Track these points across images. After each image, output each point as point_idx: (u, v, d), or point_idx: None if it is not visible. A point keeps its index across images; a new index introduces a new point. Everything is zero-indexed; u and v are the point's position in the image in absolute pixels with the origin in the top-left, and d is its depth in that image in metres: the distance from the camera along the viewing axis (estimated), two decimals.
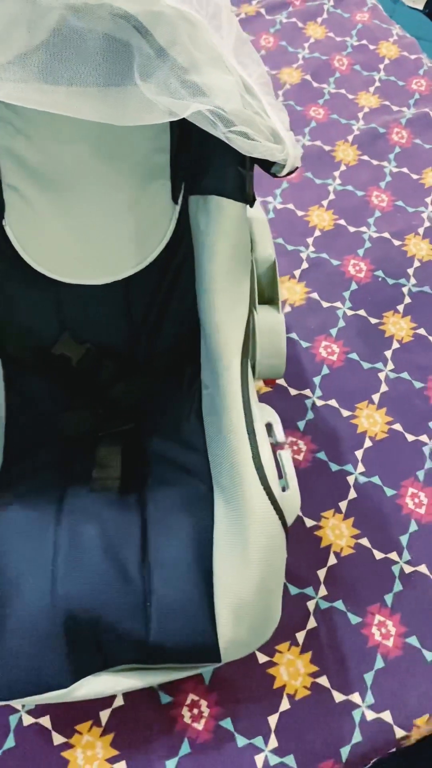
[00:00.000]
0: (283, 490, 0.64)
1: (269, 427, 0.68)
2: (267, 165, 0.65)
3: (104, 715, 0.67)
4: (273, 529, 0.60)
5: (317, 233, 1.05)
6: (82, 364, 0.77)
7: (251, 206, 0.68)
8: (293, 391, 0.89)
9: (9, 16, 0.55)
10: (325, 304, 0.98)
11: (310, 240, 1.04)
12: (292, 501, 0.63)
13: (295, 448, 0.85)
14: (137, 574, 0.63)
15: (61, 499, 0.69)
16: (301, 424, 0.87)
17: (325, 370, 0.92)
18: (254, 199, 0.67)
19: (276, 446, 0.65)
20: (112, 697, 0.68)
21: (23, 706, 0.67)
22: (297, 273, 1.01)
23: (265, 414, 0.68)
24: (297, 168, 0.64)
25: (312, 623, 0.73)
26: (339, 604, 0.74)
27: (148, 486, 0.72)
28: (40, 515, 0.67)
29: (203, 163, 0.69)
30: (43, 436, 0.76)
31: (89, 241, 0.73)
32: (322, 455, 0.84)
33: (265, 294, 0.77)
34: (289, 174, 0.64)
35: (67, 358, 0.76)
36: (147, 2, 0.56)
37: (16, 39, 0.55)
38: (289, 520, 0.62)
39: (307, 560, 0.77)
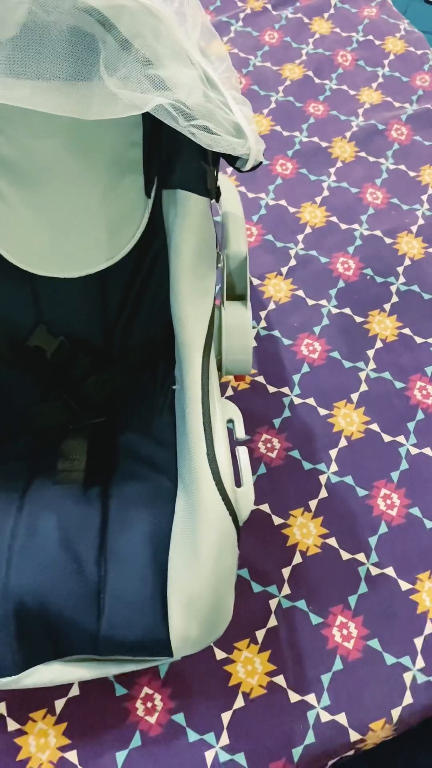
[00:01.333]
0: (238, 485, 0.64)
1: (231, 422, 0.67)
2: (232, 159, 0.64)
3: (59, 704, 0.68)
4: (224, 526, 0.60)
5: (308, 230, 1.04)
6: (56, 357, 0.77)
7: (216, 201, 0.67)
8: (271, 389, 0.89)
9: None
10: (310, 302, 0.97)
11: (300, 237, 1.03)
12: (245, 498, 0.63)
13: (269, 445, 0.84)
14: (93, 567, 0.63)
15: (24, 490, 0.70)
16: (277, 422, 0.86)
17: (305, 369, 0.91)
18: (218, 194, 0.67)
19: (237, 443, 0.65)
20: (68, 687, 0.68)
21: None
22: (284, 270, 1.00)
23: (227, 410, 0.67)
24: (261, 163, 0.63)
25: (273, 622, 0.72)
26: (301, 604, 0.74)
27: (114, 480, 0.72)
28: (2, 506, 0.67)
29: (172, 157, 0.69)
30: (16, 427, 0.77)
31: (62, 234, 0.74)
32: (296, 453, 0.83)
33: (236, 290, 0.76)
34: (253, 169, 0.64)
35: (42, 351, 0.77)
36: None
37: None
38: (242, 517, 0.61)
39: (272, 558, 0.76)
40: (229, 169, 1.08)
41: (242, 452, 0.66)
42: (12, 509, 0.67)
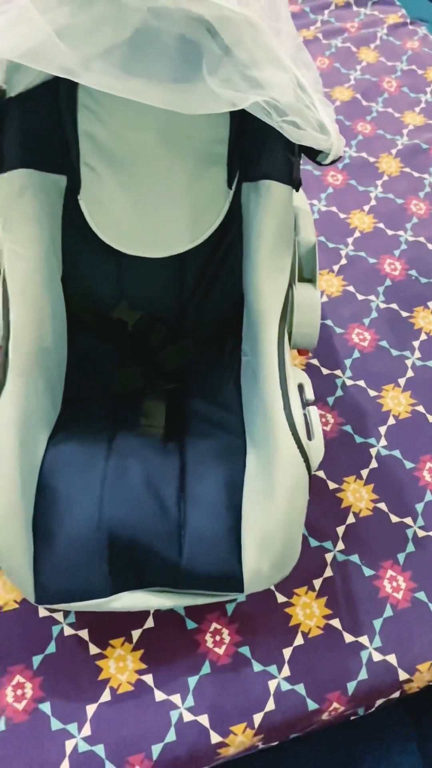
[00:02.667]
0: (309, 438, 0.71)
1: (301, 387, 0.75)
2: (313, 154, 0.73)
3: (135, 633, 0.74)
4: (299, 470, 0.67)
5: (357, 234, 1.13)
6: (136, 329, 0.86)
7: (296, 190, 0.76)
8: (325, 371, 0.97)
9: (99, 16, 0.65)
10: (359, 297, 1.05)
11: (350, 240, 1.12)
12: (316, 449, 0.70)
13: (324, 419, 0.92)
14: (174, 507, 0.70)
15: (110, 440, 0.77)
16: (331, 400, 0.94)
17: (356, 354, 0.99)
18: (300, 184, 0.75)
19: (306, 404, 0.72)
20: (144, 618, 0.75)
21: (65, 617, 0.75)
22: (336, 267, 1.09)
23: (297, 375, 0.75)
24: (340, 157, 0.72)
25: (329, 572, 0.79)
26: (354, 558, 0.81)
27: (188, 437, 0.79)
28: (92, 450, 0.75)
29: (257, 152, 0.78)
30: (97, 391, 0.84)
31: (150, 218, 0.82)
32: (348, 428, 0.91)
33: (305, 273, 0.85)
34: (332, 162, 0.73)
35: (123, 323, 0.85)
36: (218, 7, 0.64)
37: (105, 35, 0.65)
38: (314, 465, 0.69)
39: (327, 517, 0.83)
40: None
41: (313, 411, 0.73)
42: (101, 454, 0.74)
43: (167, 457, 0.76)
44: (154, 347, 0.87)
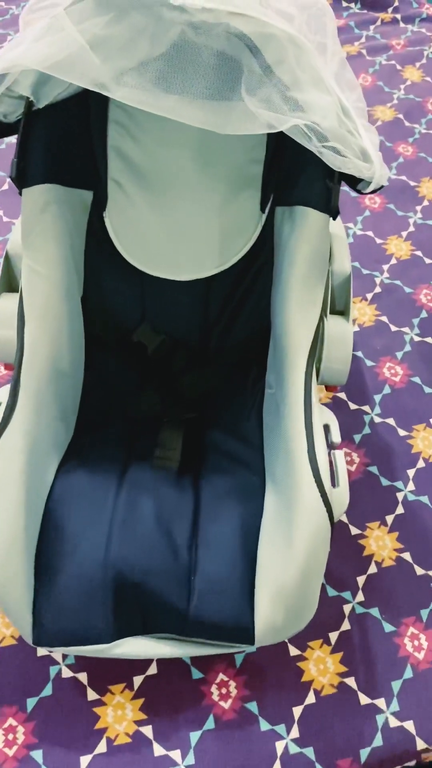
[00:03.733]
0: (333, 486, 0.67)
1: (326, 428, 0.71)
2: (354, 181, 0.69)
3: (137, 680, 0.71)
4: (320, 519, 0.63)
5: (393, 261, 1.09)
6: (156, 352, 0.82)
7: (334, 219, 0.72)
8: (353, 406, 0.92)
9: (135, 28, 0.62)
10: (393, 328, 1.01)
11: (385, 267, 1.08)
12: (340, 497, 0.66)
13: (348, 459, 0.87)
14: (185, 549, 0.67)
15: (123, 471, 0.74)
16: (357, 438, 0.89)
17: (387, 390, 0.94)
18: (338, 213, 0.71)
19: (331, 447, 0.68)
20: (147, 664, 0.71)
21: (64, 658, 0.71)
22: (369, 296, 1.05)
23: (324, 415, 0.71)
24: (382, 187, 0.68)
25: (346, 625, 0.75)
26: (375, 611, 0.76)
27: (204, 472, 0.75)
28: (103, 482, 0.72)
29: (293, 175, 0.74)
30: (113, 415, 0.81)
31: (178, 239, 0.79)
32: (374, 469, 0.87)
33: (337, 305, 0.81)
34: (373, 192, 0.69)
35: (143, 346, 0.82)
36: (261, 24, 0.61)
37: (140, 49, 0.61)
38: (337, 515, 0.64)
39: (348, 565, 0.79)
40: None
41: (339, 455, 0.69)
42: (112, 486, 0.71)
43: (181, 493, 0.72)
44: (174, 372, 0.84)
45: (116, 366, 0.83)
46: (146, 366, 0.84)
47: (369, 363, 0.97)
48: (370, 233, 1.13)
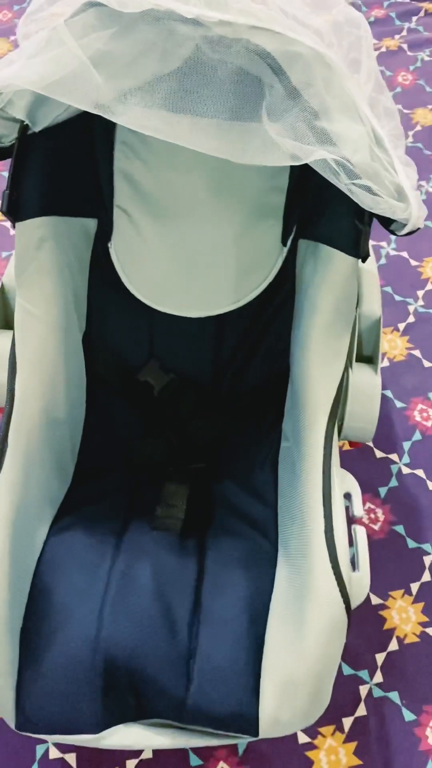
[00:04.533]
0: (353, 568, 0.60)
1: (348, 497, 0.64)
2: (387, 221, 0.62)
3: (131, 764, 0.65)
4: (335, 612, 0.56)
5: (429, 287, 1.00)
6: (163, 393, 0.76)
7: (363, 262, 0.65)
8: (379, 454, 0.85)
9: (144, 44, 0.54)
10: (426, 364, 0.93)
11: (420, 293, 0.99)
12: (360, 584, 0.59)
13: (372, 516, 0.80)
14: (185, 627, 0.61)
15: (121, 532, 0.68)
16: (383, 491, 0.82)
17: (417, 436, 0.87)
18: (368, 256, 0.64)
19: (352, 519, 0.61)
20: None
21: None
22: (401, 326, 0.97)
23: (345, 482, 0.64)
24: (418, 229, 0.60)
25: (362, 710, 0.68)
26: (394, 696, 0.69)
27: (210, 532, 0.69)
28: (99, 544, 0.66)
29: (319, 208, 0.67)
30: (114, 460, 0.76)
31: (190, 272, 0.73)
32: (400, 528, 0.79)
33: (364, 351, 0.73)
34: (409, 234, 0.61)
35: (149, 386, 0.76)
36: (286, 41, 0.54)
37: (148, 66, 0.54)
38: (355, 604, 0.58)
39: (366, 641, 0.72)
40: None
41: (360, 532, 0.62)
42: (108, 549, 0.66)
43: (184, 559, 0.66)
44: (182, 416, 0.78)
45: (120, 408, 0.77)
46: (152, 408, 0.78)
47: (399, 404, 0.89)
48: (404, 254, 1.04)
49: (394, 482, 0.83)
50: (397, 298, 0.99)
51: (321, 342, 0.65)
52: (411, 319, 0.97)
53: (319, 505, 0.60)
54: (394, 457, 0.85)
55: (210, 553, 0.67)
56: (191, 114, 0.55)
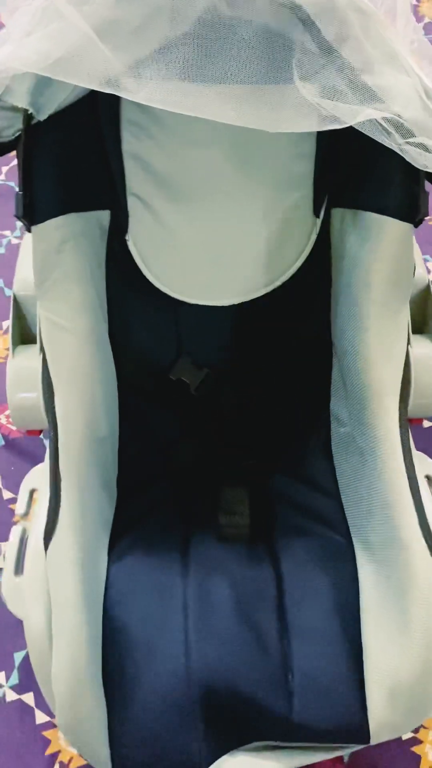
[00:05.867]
0: None
1: (429, 480, 0.61)
2: None
3: None
4: None
5: None
6: (200, 391, 0.72)
7: (417, 227, 0.60)
8: (427, 423, 0.82)
9: (151, 5, 0.49)
10: None
11: None
12: None
13: None
14: (276, 642, 0.58)
15: (185, 547, 0.64)
16: None
17: None
18: (424, 218, 0.60)
19: None
20: None
21: None
22: None
23: (424, 465, 0.61)
24: None
25: None
26: None
27: (278, 535, 0.66)
28: (165, 565, 0.62)
29: (359, 173, 0.63)
30: (156, 468, 0.72)
31: (217, 257, 0.68)
32: None
33: (416, 322, 0.70)
34: None
35: (184, 384, 0.72)
36: None
37: (157, 30, 0.49)
38: None
39: None
40: None
41: None
42: (176, 568, 0.62)
43: (258, 569, 0.63)
44: (222, 412, 0.73)
45: (155, 412, 0.73)
46: (190, 408, 0.73)
47: None
48: None
49: None
50: None
51: (380, 320, 0.61)
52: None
53: (406, 495, 0.57)
54: None
55: (284, 558, 0.63)
56: (214, 81, 0.50)
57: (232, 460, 0.72)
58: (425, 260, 0.96)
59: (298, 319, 0.71)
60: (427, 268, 0.94)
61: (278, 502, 0.69)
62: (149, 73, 0.50)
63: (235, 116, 0.52)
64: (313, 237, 0.67)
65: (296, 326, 0.71)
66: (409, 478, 0.57)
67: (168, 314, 0.70)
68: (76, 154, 0.61)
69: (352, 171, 0.63)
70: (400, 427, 0.60)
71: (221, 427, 0.74)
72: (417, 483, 0.57)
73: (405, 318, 0.62)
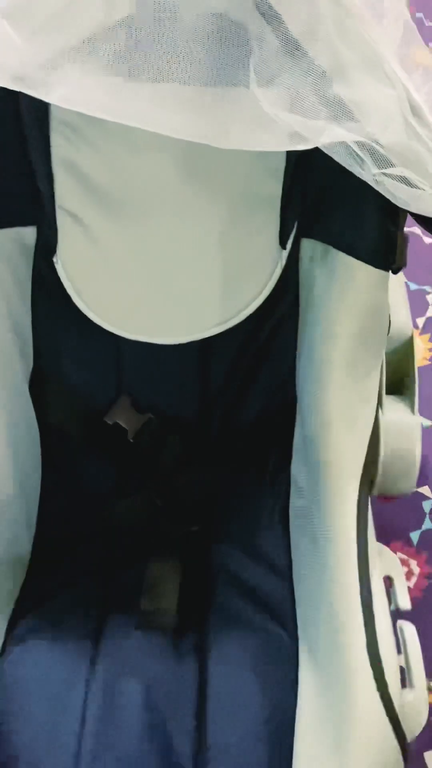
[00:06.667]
0: (403, 685, 0.48)
1: (388, 581, 0.51)
2: (427, 220, 0.47)
3: None
4: (386, 749, 0.46)
5: None
6: (140, 439, 0.63)
7: (395, 273, 0.50)
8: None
9: None
10: None
11: None
12: (416, 709, 0.47)
13: (405, 569, 0.67)
14: (189, 763, 0.48)
15: (99, 632, 0.56)
16: (415, 536, 0.70)
17: None
18: (402, 267, 0.49)
19: (397, 614, 0.49)
20: None
21: None
22: (420, 322, 0.83)
23: (384, 562, 0.52)
24: None
25: None
26: None
27: (211, 622, 0.58)
28: (69, 657, 0.55)
29: (331, 201, 0.54)
30: (83, 526, 0.64)
31: (161, 287, 0.60)
32: None
33: (393, 380, 0.59)
34: None
35: (122, 430, 0.63)
36: None
37: (87, 15, 0.42)
38: (412, 735, 0.46)
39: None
40: None
41: (409, 632, 0.50)
42: (82, 664, 0.54)
43: (180, 667, 0.55)
44: (166, 466, 0.65)
45: (86, 461, 0.64)
46: (127, 459, 0.65)
47: (426, 422, 0.76)
48: (416, 229, 0.89)
49: (428, 523, 0.70)
50: (412, 286, 0.85)
51: (342, 381, 0.52)
52: (431, 312, 0.83)
53: (355, 603, 0.48)
54: (425, 491, 0.72)
55: (213, 654, 0.56)
56: (150, 80, 0.42)
57: (172, 524, 0.63)
58: (425, 291, 0.85)
59: (258, 362, 0.62)
60: (427, 301, 0.84)
61: (218, 577, 0.61)
62: (70, 68, 0.42)
63: (175, 126, 0.44)
64: (278, 271, 0.58)
65: (255, 370, 0.62)
66: (361, 586, 0.48)
67: (106, 348, 0.62)
68: None
69: (325, 198, 0.53)
70: (359, 514, 0.50)
71: (162, 484, 0.64)
72: (370, 593, 0.48)
73: (374, 381, 0.53)
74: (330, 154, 0.43)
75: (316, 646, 0.52)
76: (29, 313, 0.59)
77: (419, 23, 1.11)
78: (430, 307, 0.84)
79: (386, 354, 0.59)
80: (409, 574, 0.68)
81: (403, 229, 0.49)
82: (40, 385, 0.61)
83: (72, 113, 0.54)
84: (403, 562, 0.69)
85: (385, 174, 0.43)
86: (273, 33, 0.43)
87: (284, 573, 0.59)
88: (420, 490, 0.73)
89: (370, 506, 0.52)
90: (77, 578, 0.60)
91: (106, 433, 0.63)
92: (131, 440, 0.63)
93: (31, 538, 0.61)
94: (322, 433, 0.53)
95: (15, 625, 0.56)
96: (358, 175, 0.43)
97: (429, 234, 0.48)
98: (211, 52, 0.43)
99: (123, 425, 0.63)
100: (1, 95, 0.51)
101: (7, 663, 0.53)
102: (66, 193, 0.56)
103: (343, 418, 0.52)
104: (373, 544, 0.51)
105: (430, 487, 0.73)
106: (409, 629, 0.50)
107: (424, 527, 0.71)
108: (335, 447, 0.52)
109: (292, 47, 0.42)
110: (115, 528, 0.64)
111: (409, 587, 0.67)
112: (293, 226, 0.57)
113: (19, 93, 0.50)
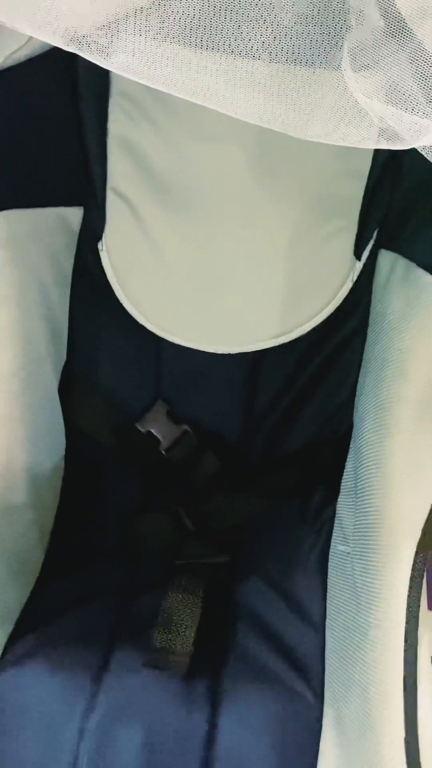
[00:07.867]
0: None
1: None
2: None
3: None
4: None
5: None
6: (173, 452, 0.59)
7: None
8: None
9: None
10: None
11: None
12: None
13: None
14: None
15: (102, 666, 0.50)
16: None
17: None
18: None
19: None
20: None
21: None
22: None
23: None
24: None
25: None
26: None
27: (228, 668, 0.51)
28: (68, 689, 0.49)
29: (420, 212, 0.48)
30: (101, 542, 0.59)
31: (217, 291, 0.55)
32: None
33: None
34: None
35: (154, 440, 0.59)
36: None
37: None
38: None
39: None
40: None
41: None
42: (81, 698, 0.49)
43: (189, 715, 0.49)
44: (198, 486, 0.60)
45: (112, 471, 0.60)
46: (155, 472, 0.60)
47: None
48: None
49: None
50: None
51: (411, 429, 0.45)
52: None
53: (396, 688, 0.42)
54: None
55: (226, 708, 0.49)
56: (224, 52, 0.37)
57: (198, 550, 0.58)
58: None
59: (312, 386, 0.56)
60: None
61: (241, 617, 0.54)
62: (132, 31, 0.37)
63: (247, 108, 0.38)
64: (348, 284, 0.52)
65: (308, 394, 0.56)
66: (405, 666, 0.41)
67: (146, 349, 0.57)
68: (32, 127, 0.46)
69: (414, 207, 0.47)
70: (412, 580, 0.44)
71: (192, 505, 0.59)
72: (415, 674, 0.41)
73: None
74: (428, 157, 0.37)
75: (343, 716, 0.46)
76: (66, 302, 0.54)
77: None
78: None
79: None
80: None
81: None
82: (70, 383, 0.57)
83: (135, 85, 0.48)
84: None
85: None
86: (377, 7, 0.37)
87: (317, 624, 0.53)
88: None
89: (424, 573, 0.45)
90: (88, 599, 0.55)
91: (137, 441, 0.59)
92: (163, 452, 0.59)
93: (43, 549, 0.57)
94: (381, 485, 0.46)
95: (14, 644, 0.52)
96: None
97: None
98: (298, 23, 0.38)
99: (156, 435, 0.58)
100: (52, 64, 0.46)
101: (5, 675, 0.48)
102: (119, 173, 0.52)
103: (407, 471, 0.45)
104: (425, 616, 0.45)
105: None
106: None
107: None
108: (394, 501, 0.45)
109: (398, 28, 0.37)
110: (136, 546, 0.59)
111: None
112: (372, 237, 0.51)
113: (78, 58, 0.46)
